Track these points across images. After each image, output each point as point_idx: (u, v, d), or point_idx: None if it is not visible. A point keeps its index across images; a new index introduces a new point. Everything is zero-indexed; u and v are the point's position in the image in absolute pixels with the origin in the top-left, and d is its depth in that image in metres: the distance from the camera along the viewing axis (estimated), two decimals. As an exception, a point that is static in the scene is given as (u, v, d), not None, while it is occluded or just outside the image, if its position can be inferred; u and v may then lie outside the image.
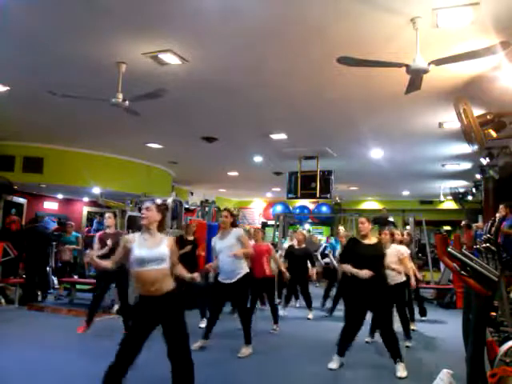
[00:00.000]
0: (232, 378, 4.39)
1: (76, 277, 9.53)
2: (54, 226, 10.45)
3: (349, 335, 4.65)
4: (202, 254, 7.12)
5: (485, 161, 7.97)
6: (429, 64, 3.97)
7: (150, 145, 9.29)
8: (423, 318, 7.60)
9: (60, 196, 12.48)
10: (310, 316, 7.64)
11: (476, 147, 5.99)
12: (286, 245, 8.69)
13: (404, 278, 5.64)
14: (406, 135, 7.88)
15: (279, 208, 16.31)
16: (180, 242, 7.00)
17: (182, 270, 3.39)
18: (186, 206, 10.97)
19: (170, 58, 4.89)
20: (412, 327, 6.13)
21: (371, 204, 17.17)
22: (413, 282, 5.86)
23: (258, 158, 10.23)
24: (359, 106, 6.41)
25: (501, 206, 6.94)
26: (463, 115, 5.55)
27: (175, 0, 3.78)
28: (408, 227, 11.94)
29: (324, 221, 17.42)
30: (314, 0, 3.69)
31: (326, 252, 10.26)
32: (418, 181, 12.54)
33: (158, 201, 9.07)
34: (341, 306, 7.74)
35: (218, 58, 4.94)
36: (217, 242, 5.12)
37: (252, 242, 8.04)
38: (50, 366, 4.49)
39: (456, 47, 4.26)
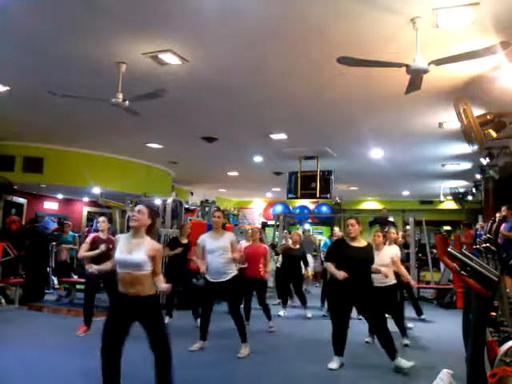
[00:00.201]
0: (231, 378, 4.38)
1: (76, 277, 9.54)
2: (54, 225, 10.46)
3: (339, 334, 4.66)
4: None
5: (485, 161, 7.97)
6: (429, 64, 3.97)
7: (149, 145, 9.29)
8: (422, 317, 7.61)
9: (60, 196, 12.49)
10: (309, 315, 7.66)
11: (476, 147, 5.99)
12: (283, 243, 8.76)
13: (394, 281, 5.65)
14: (406, 135, 7.88)
15: (279, 208, 16.31)
16: (173, 243, 7.00)
17: (159, 280, 3.32)
18: (186, 206, 10.99)
19: (170, 58, 4.89)
20: (409, 325, 6.13)
21: (371, 204, 17.17)
22: (412, 282, 5.92)
23: (258, 158, 10.23)
24: (359, 106, 6.41)
25: (503, 208, 6.94)
26: (463, 115, 5.55)
27: (175, 0, 3.78)
28: (408, 227, 11.94)
29: (324, 221, 17.42)
30: (313, 0, 3.69)
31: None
32: (418, 181, 12.55)
33: (158, 200, 9.12)
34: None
35: (218, 58, 4.94)
36: (208, 241, 5.09)
37: (245, 242, 8.09)
38: (50, 366, 4.49)
39: (456, 47, 4.26)
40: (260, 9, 3.87)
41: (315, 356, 5.13)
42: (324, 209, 16.47)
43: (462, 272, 2.85)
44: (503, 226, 6.69)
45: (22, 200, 11.07)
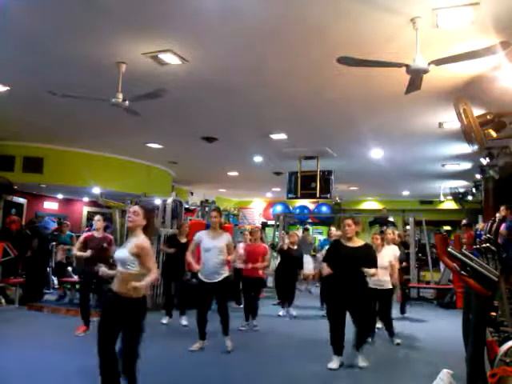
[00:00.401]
0: (231, 377, 4.38)
1: (76, 277, 9.53)
2: (54, 225, 10.46)
3: (335, 333, 4.67)
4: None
5: (485, 161, 7.96)
6: (429, 64, 3.97)
7: (149, 145, 9.29)
8: (404, 315, 7.67)
9: (60, 196, 12.49)
10: (294, 313, 7.69)
11: (476, 147, 5.99)
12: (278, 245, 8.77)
13: (390, 286, 5.72)
14: (406, 135, 7.88)
15: (279, 208, 16.31)
16: (172, 242, 7.00)
17: (146, 279, 3.22)
18: (186, 206, 10.99)
19: (170, 58, 4.89)
20: (378, 325, 6.12)
21: (371, 204, 17.16)
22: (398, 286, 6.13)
23: (258, 158, 10.23)
24: (359, 106, 6.41)
25: (502, 208, 6.94)
26: (463, 115, 5.55)
27: (175, 0, 3.78)
28: (408, 227, 11.94)
29: (324, 221, 17.41)
30: (313, 0, 3.69)
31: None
32: (418, 181, 12.54)
33: (158, 200, 9.11)
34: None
35: (218, 58, 4.94)
36: (205, 240, 5.13)
37: (242, 245, 8.08)
38: (50, 365, 4.49)
39: (456, 47, 4.26)
40: (260, 9, 3.87)
41: (315, 356, 5.13)
42: (324, 209, 16.47)
43: (462, 272, 2.85)
44: (503, 225, 6.69)
45: (22, 200, 11.07)
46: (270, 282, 10.03)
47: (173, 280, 6.83)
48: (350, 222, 4.73)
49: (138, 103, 5.37)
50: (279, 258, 8.27)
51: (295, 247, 7.89)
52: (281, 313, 7.78)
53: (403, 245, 9.16)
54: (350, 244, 4.71)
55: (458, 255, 2.91)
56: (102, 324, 3.27)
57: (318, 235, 17.03)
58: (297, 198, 10.41)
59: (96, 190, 10.18)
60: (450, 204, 14.80)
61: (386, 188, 14.19)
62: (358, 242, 4.74)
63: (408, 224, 12.09)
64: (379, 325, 6.15)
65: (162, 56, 4.83)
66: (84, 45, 4.67)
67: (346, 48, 4.32)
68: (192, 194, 15.70)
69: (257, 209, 18.58)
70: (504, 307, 3.15)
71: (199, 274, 5.16)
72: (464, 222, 10.31)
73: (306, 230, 12.37)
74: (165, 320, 6.72)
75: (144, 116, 6.23)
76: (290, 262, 7.83)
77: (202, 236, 5.19)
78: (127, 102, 5.27)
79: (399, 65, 4.04)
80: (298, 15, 3.95)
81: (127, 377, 3.20)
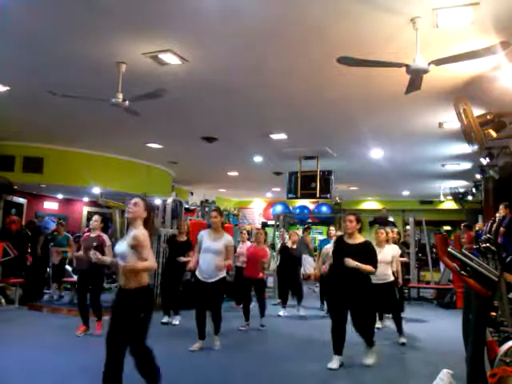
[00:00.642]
0: (231, 377, 4.38)
1: (76, 277, 9.52)
2: (54, 226, 10.46)
3: (337, 334, 4.66)
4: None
5: (485, 161, 7.96)
6: (429, 64, 3.97)
7: (150, 145, 9.29)
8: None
9: (60, 196, 12.49)
10: (302, 313, 7.70)
11: (476, 147, 5.99)
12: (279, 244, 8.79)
13: (392, 278, 5.76)
14: (406, 135, 7.88)
15: (279, 208, 16.31)
16: (171, 243, 6.97)
17: (141, 263, 3.15)
18: (186, 206, 11.00)
19: (170, 58, 4.89)
20: (378, 325, 6.12)
21: (371, 204, 17.16)
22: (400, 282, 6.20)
23: (258, 158, 10.23)
24: (359, 106, 6.41)
25: (501, 207, 6.94)
26: (463, 115, 5.55)
27: (175, 0, 3.78)
28: (408, 227, 11.94)
29: (324, 221, 17.41)
30: (313, 0, 3.69)
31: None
32: (418, 181, 12.54)
33: (158, 200, 9.09)
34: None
35: (218, 58, 4.94)
36: (205, 239, 5.14)
37: (246, 244, 8.09)
38: (50, 366, 4.49)
39: (456, 47, 4.26)
40: (260, 9, 3.87)
41: (315, 356, 5.13)
42: (324, 209, 16.46)
43: (462, 272, 2.85)
44: (503, 224, 6.69)
45: (22, 200, 11.07)
46: (270, 282, 10.05)
47: (173, 280, 6.82)
48: (351, 217, 4.73)
49: (138, 103, 5.37)
50: (279, 258, 8.28)
51: (295, 246, 7.93)
52: (281, 313, 7.78)
53: (404, 245, 9.18)
54: (351, 241, 4.72)
55: (458, 255, 2.91)
56: (111, 321, 3.22)
57: (318, 235, 17.04)
58: (297, 197, 10.41)
59: (96, 190, 10.18)
60: (450, 204, 14.79)
61: (386, 188, 14.19)
62: (359, 239, 4.73)
63: (408, 224, 12.09)
64: (379, 325, 6.15)
65: (161, 56, 4.83)
66: (84, 45, 4.67)
67: (346, 48, 4.32)
68: (192, 193, 15.70)
69: (257, 209, 18.58)
70: (504, 307, 3.15)
71: (196, 273, 5.18)
72: (464, 223, 10.31)
73: (306, 229, 12.35)
74: (164, 319, 6.72)
75: (144, 116, 6.23)
76: (290, 261, 7.86)
77: (203, 235, 5.20)
78: (127, 102, 5.27)
79: (399, 65, 4.04)
80: (297, 15, 3.95)
81: (143, 374, 3.15)
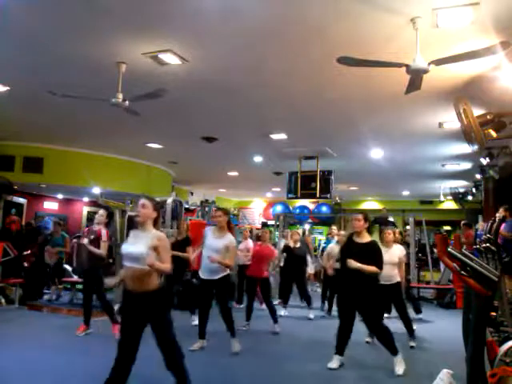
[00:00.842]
0: (231, 377, 4.38)
1: (76, 277, 9.52)
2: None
3: (343, 334, 4.66)
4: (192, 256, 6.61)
5: (485, 161, 7.96)
6: (429, 64, 3.97)
7: (150, 145, 9.29)
8: (419, 316, 7.63)
9: (60, 196, 12.49)
10: (311, 316, 7.65)
11: (476, 147, 5.98)
12: (284, 242, 8.74)
13: (399, 279, 5.68)
14: (406, 135, 7.88)
15: (279, 208, 16.30)
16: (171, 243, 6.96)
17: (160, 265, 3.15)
18: (186, 206, 10.99)
19: (170, 58, 4.89)
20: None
21: (371, 204, 17.16)
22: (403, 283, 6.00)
23: (258, 158, 10.23)
24: (359, 106, 6.41)
25: (500, 209, 6.93)
26: (463, 115, 5.55)
27: (175, 0, 3.78)
28: (408, 227, 11.94)
29: (324, 221, 17.41)
30: (313, 0, 3.69)
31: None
32: (418, 181, 12.54)
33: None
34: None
35: (218, 58, 4.94)
36: (209, 237, 5.13)
37: (247, 241, 8.07)
38: (50, 366, 4.49)
39: (456, 47, 4.26)
40: (260, 9, 3.87)
41: (315, 356, 5.13)
42: (324, 209, 16.46)
43: (462, 272, 2.85)
44: (503, 226, 6.68)
45: (22, 200, 11.07)
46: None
47: (173, 280, 6.81)
48: (359, 216, 4.72)
49: (138, 103, 5.37)
50: (283, 258, 8.23)
51: (298, 245, 7.91)
52: (282, 312, 7.78)
53: (404, 245, 9.17)
54: (359, 240, 4.70)
55: (458, 255, 2.91)
56: (124, 326, 3.19)
57: (318, 235, 17.05)
58: (297, 197, 10.40)
59: (96, 190, 10.18)
60: (450, 204, 14.79)
61: (386, 188, 14.19)
62: (366, 239, 4.71)
63: (408, 224, 12.08)
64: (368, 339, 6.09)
65: (161, 56, 4.83)
66: (84, 45, 4.67)
67: (346, 48, 4.32)
68: (192, 193, 15.70)
69: (257, 209, 18.58)
70: (504, 307, 3.16)
71: (199, 273, 5.17)
72: (463, 222, 10.30)
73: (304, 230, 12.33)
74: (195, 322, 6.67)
75: (144, 116, 6.23)
76: (295, 260, 7.81)
77: (208, 232, 5.20)
78: (127, 102, 5.27)
79: (399, 65, 4.04)
80: (297, 15, 3.95)
81: (173, 372, 3.16)
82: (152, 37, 4.48)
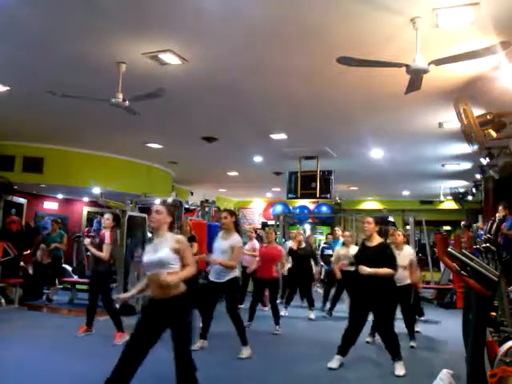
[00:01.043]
0: (231, 377, 4.38)
1: (76, 277, 9.53)
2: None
3: (350, 336, 4.65)
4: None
5: (485, 161, 7.96)
6: (429, 64, 3.97)
7: (149, 145, 9.29)
8: (422, 318, 7.61)
9: (60, 196, 12.48)
10: (312, 316, 7.65)
11: (476, 147, 5.98)
12: (290, 243, 8.66)
13: (409, 281, 5.60)
14: (406, 135, 7.88)
15: (279, 208, 16.31)
16: None
17: (183, 271, 3.16)
18: (186, 206, 10.99)
19: (170, 58, 4.89)
20: (416, 329, 6.10)
21: (371, 204, 17.16)
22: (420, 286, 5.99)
23: (258, 158, 10.23)
24: (359, 106, 6.41)
25: (500, 208, 6.93)
26: (463, 115, 5.55)
27: (175, 0, 3.78)
28: (408, 227, 11.94)
29: (324, 221, 17.41)
30: (314, 0, 3.69)
31: (327, 253, 10.12)
32: (418, 181, 12.54)
33: (158, 200, 9.08)
34: (340, 307, 7.79)
35: (218, 57, 4.93)
36: (218, 239, 5.16)
37: (252, 242, 8.06)
38: (50, 366, 4.49)
39: (456, 47, 4.26)
40: (260, 9, 3.87)
41: (316, 356, 5.14)
42: (324, 209, 16.47)
43: (462, 272, 2.85)
44: (503, 225, 6.68)
45: (22, 200, 11.05)
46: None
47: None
48: (370, 219, 4.70)
49: (138, 103, 5.37)
50: (290, 260, 8.19)
51: (302, 246, 7.86)
52: (282, 312, 7.78)
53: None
54: (369, 243, 4.69)
55: (458, 255, 2.91)
56: (139, 332, 3.11)
57: (319, 235, 17.04)
58: (297, 197, 10.40)
59: (96, 190, 10.17)
60: (449, 204, 14.79)
61: (386, 188, 14.19)
62: (377, 241, 4.69)
63: (408, 224, 12.09)
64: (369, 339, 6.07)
65: (161, 56, 4.83)
66: (84, 45, 4.67)
67: (346, 48, 4.32)
68: (192, 193, 15.70)
69: (257, 209, 18.58)
70: (504, 307, 3.16)
71: (209, 275, 5.19)
72: (463, 223, 10.32)
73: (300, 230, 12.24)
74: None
75: (144, 116, 6.22)
76: (301, 261, 7.78)
77: (218, 235, 5.23)
78: (127, 102, 5.26)
79: (399, 65, 4.04)
80: (297, 15, 3.95)
81: (182, 382, 3.08)
82: (152, 37, 4.48)
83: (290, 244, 8.32)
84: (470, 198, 12.18)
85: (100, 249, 5.71)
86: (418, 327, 6.56)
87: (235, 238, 5.05)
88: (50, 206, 12.48)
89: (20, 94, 6.34)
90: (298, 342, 5.98)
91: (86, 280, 8.64)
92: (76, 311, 7.17)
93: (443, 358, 4.99)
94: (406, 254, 5.61)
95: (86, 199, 13.03)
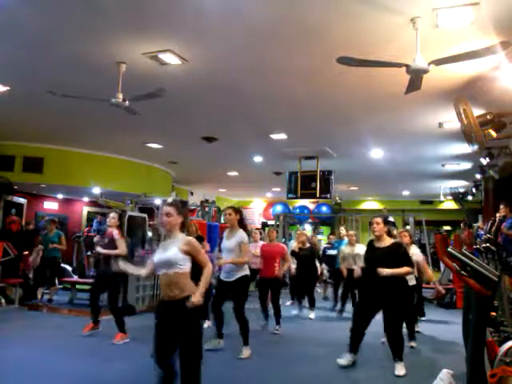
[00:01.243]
0: (232, 377, 4.38)
1: (76, 277, 9.52)
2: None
3: (356, 333, 4.65)
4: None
5: (485, 161, 7.96)
6: (429, 64, 3.97)
7: (149, 145, 9.29)
8: (423, 318, 7.60)
9: (60, 196, 12.48)
10: (312, 316, 7.63)
11: (476, 147, 5.99)
12: (293, 244, 8.58)
13: (414, 282, 5.58)
14: (406, 135, 7.88)
15: (279, 208, 16.31)
16: None
17: (204, 274, 3.08)
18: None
19: (170, 58, 4.89)
20: (416, 329, 6.10)
21: (371, 204, 17.17)
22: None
23: (258, 158, 10.24)
24: (359, 106, 6.41)
25: (501, 206, 6.93)
26: (463, 115, 5.55)
27: (175, 0, 3.78)
28: (408, 227, 11.94)
29: (324, 221, 17.41)
30: (314, 0, 3.69)
31: (329, 253, 10.01)
32: (418, 181, 12.55)
33: (158, 200, 9.04)
34: (349, 306, 7.75)
35: (218, 57, 4.94)
36: (224, 239, 5.14)
37: (258, 244, 7.98)
38: (50, 366, 4.48)
39: (456, 47, 4.26)
40: (260, 9, 3.87)
41: (316, 356, 5.13)
42: (324, 209, 16.47)
43: (462, 272, 2.85)
44: (503, 225, 6.68)
45: (22, 200, 11.06)
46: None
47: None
48: (378, 220, 4.60)
49: (138, 103, 5.37)
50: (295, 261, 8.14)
51: (306, 246, 7.77)
52: (295, 312, 7.78)
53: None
54: (379, 244, 4.61)
55: (458, 255, 2.91)
56: (160, 338, 3.05)
57: (319, 235, 17.03)
58: (297, 197, 10.40)
59: (96, 190, 10.17)
60: (449, 204, 14.80)
61: (386, 188, 14.20)
62: (387, 242, 4.61)
63: (408, 224, 12.09)
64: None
65: (161, 56, 4.83)
66: (84, 45, 4.67)
67: (346, 48, 4.32)
68: (192, 193, 15.71)
69: (257, 209, 18.59)
70: (504, 307, 3.16)
71: (220, 274, 5.15)
72: (463, 222, 10.32)
73: (314, 230, 12.12)
74: (204, 324, 6.63)
75: (144, 116, 6.23)
76: (304, 262, 7.72)
77: (224, 234, 5.19)
78: (127, 102, 5.27)
79: (399, 65, 4.05)
80: (298, 15, 3.95)
81: None
82: (152, 37, 4.48)
83: (294, 244, 8.30)
84: (470, 197, 12.19)
85: (110, 247, 5.69)
86: (419, 327, 6.55)
87: (240, 235, 4.98)
88: (50, 206, 12.48)
89: (20, 94, 6.34)
90: (298, 341, 5.97)
91: (86, 280, 8.69)
92: (76, 311, 7.16)
93: (443, 358, 4.99)
94: (412, 255, 5.59)
95: (86, 199, 13.03)
